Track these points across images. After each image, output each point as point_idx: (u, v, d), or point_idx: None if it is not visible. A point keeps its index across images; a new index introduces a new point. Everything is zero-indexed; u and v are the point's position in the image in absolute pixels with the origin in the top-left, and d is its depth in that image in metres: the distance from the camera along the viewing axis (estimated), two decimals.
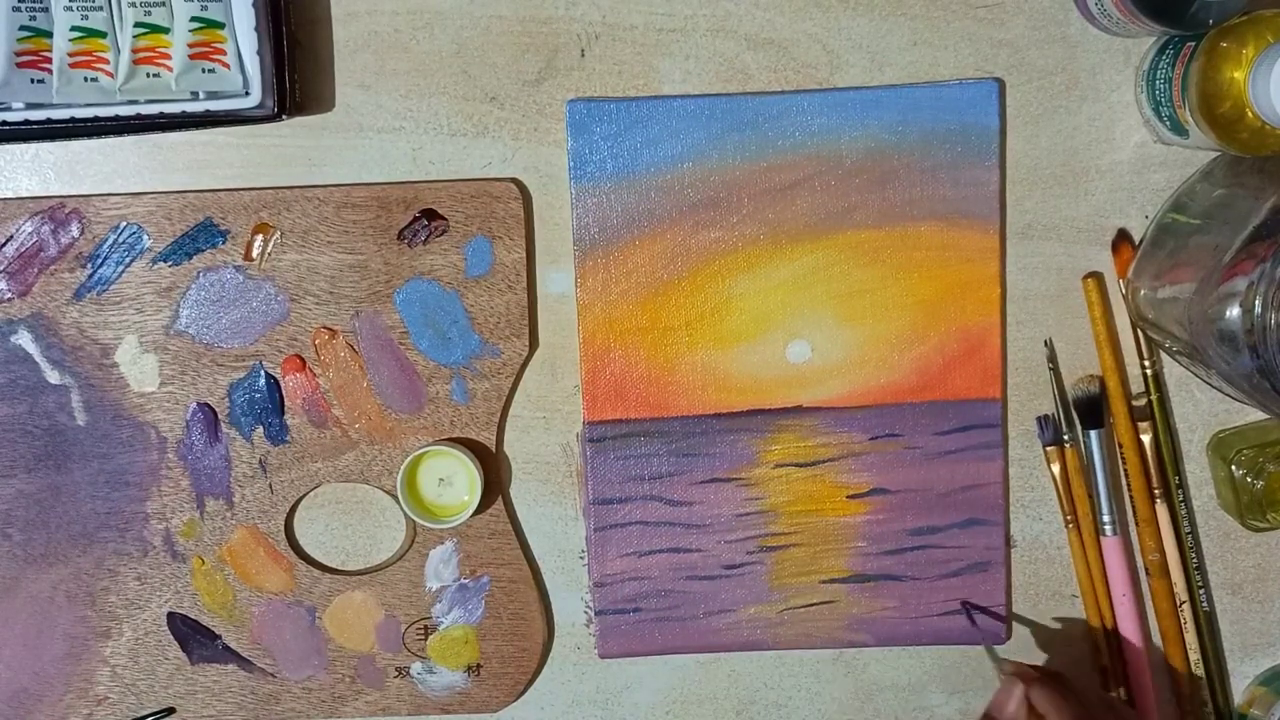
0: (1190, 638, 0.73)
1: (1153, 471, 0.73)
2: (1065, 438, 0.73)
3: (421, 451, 0.71)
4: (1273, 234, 0.60)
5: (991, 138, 0.71)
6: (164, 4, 0.67)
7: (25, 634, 0.74)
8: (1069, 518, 0.73)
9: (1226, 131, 0.62)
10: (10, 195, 0.72)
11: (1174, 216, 0.70)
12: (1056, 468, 0.73)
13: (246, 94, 0.67)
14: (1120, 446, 0.72)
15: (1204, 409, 0.73)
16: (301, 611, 0.74)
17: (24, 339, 0.72)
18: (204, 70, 0.67)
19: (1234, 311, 0.60)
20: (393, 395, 0.72)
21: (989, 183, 0.71)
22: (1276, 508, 0.71)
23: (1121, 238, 0.72)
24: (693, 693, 0.76)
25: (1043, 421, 0.73)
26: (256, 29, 0.66)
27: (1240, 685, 0.75)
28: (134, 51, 0.67)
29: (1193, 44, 0.63)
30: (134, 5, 0.67)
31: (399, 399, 0.72)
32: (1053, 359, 0.73)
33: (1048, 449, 0.73)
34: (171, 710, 0.75)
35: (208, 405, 0.72)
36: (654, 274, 0.72)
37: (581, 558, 0.74)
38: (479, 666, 0.74)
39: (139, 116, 0.67)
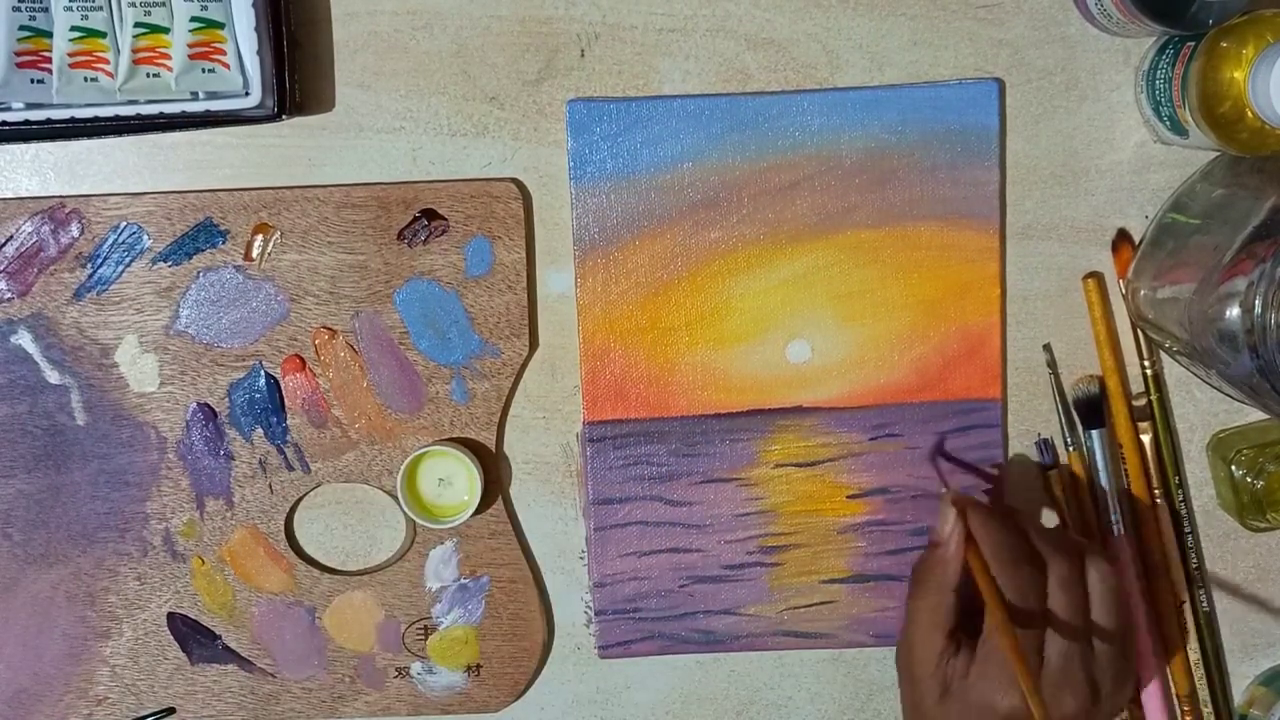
0: (1190, 638, 0.73)
1: (1153, 471, 0.73)
2: (1068, 444, 0.72)
3: (421, 451, 0.71)
4: (1273, 234, 0.60)
5: (991, 138, 0.71)
6: (164, 4, 0.67)
7: (25, 634, 0.74)
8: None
9: (1226, 131, 0.62)
10: (10, 195, 0.72)
11: (1174, 216, 0.70)
12: (1059, 491, 0.73)
13: (246, 94, 0.67)
14: (1120, 446, 0.72)
15: (1204, 409, 0.73)
16: (301, 611, 0.74)
17: (24, 339, 0.72)
18: (204, 70, 0.67)
19: (1234, 311, 0.60)
20: (393, 395, 0.72)
21: (989, 183, 0.71)
22: (1276, 508, 0.71)
23: (1121, 238, 0.72)
24: (693, 693, 0.76)
25: (1042, 446, 0.73)
26: (256, 29, 0.66)
27: (1240, 685, 0.75)
28: (134, 51, 0.67)
29: (1193, 44, 0.63)
30: (134, 5, 0.67)
31: (399, 399, 0.72)
32: (1052, 364, 0.73)
33: (1048, 473, 0.73)
34: (171, 710, 0.75)
35: (208, 405, 0.72)
36: (654, 274, 0.72)
37: (581, 558, 0.74)
38: (479, 666, 0.74)
39: (139, 116, 0.67)
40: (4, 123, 0.67)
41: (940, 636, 0.64)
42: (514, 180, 0.72)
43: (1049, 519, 0.74)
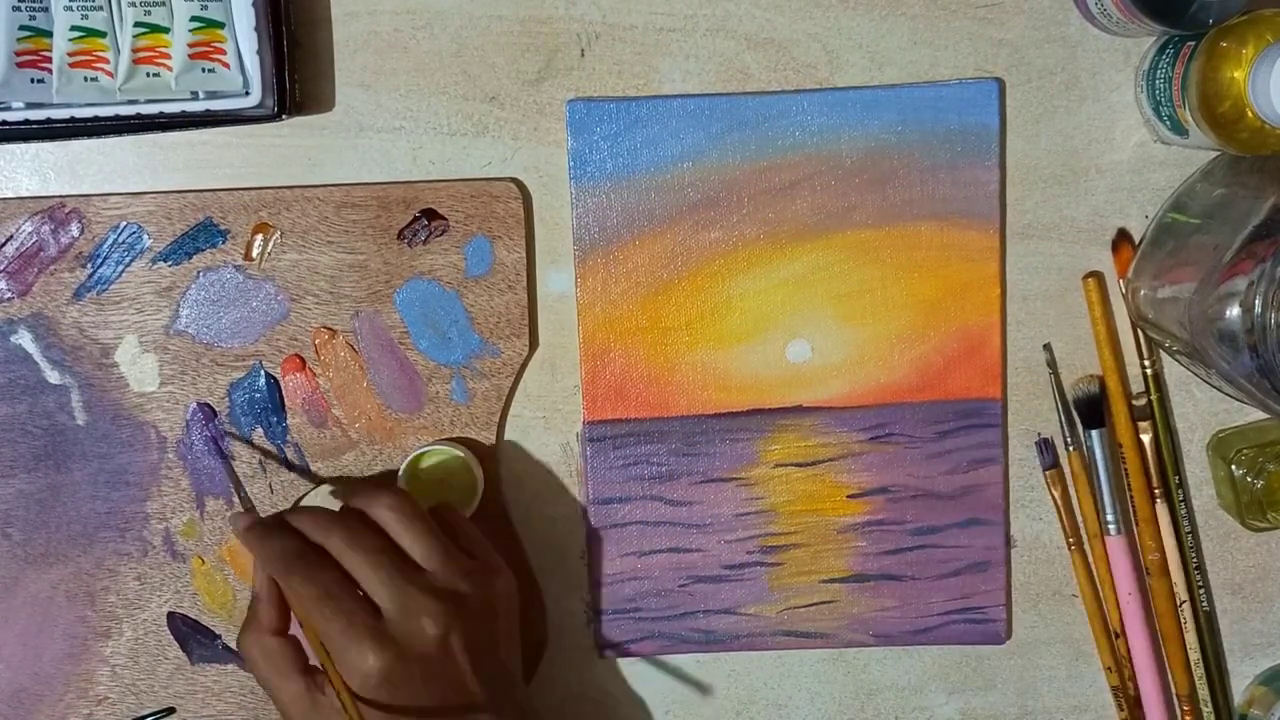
0: (1190, 638, 0.73)
1: (1153, 471, 0.73)
2: (1068, 444, 0.72)
3: (421, 451, 0.71)
4: (1273, 234, 0.60)
5: (991, 138, 0.71)
6: (164, 4, 0.67)
7: (25, 634, 0.74)
8: (1070, 540, 0.73)
9: (1226, 131, 0.62)
10: (10, 195, 0.72)
11: (1174, 216, 0.70)
12: (1058, 491, 0.73)
13: (246, 94, 0.67)
14: (1120, 446, 0.72)
15: (1204, 409, 0.73)
16: None
17: (24, 339, 0.72)
18: (204, 70, 0.67)
19: (1234, 311, 0.60)
20: (393, 395, 0.72)
21: (989, 183, 0.71)
22: (1276, 508, 0.71)
23: (1121, 237, 0.72)
24: (693, 693, 0.76)
25: (1041, 446, 0.73)
26: (256, 29, 0.66)
27: (1240, 685, 0.75)
28: (134, 51, 0.67)
29: (1193, 44, 0.63)
30: (134, 5, 0.67)
31: (399, 399, 0.72)
32: (1052, 363, 0.73)
33: (1048, 473, 0.73)
34: (171, 710, 0.75)
35: (208, 405, 0.72)
36: (654, 274, 0.72)
37: (581, 558, 0.74)
38: None
39: (139, 116, 0.67)
40: (4, 123, 0.67)
41: (297, 676, 0.63)
42: (514, 180, 0.72)
43: (1047, 518, 0.74)
